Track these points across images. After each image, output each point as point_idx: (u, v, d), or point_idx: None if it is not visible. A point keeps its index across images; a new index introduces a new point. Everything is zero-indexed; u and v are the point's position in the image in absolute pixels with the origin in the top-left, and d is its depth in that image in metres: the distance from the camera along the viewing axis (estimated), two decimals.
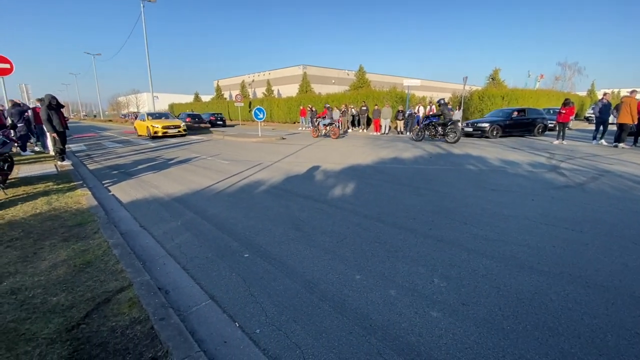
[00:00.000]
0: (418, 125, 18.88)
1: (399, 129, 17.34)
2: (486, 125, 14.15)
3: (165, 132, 16.39)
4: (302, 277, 2.80)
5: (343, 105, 20.74)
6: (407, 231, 3.74)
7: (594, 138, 11.67)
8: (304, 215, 4.33)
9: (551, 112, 18.56)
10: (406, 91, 19.56)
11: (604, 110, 11.17)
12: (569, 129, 17.84)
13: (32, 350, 1.86)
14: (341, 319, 2.24)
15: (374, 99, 20.73)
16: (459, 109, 17.52)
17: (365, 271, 2.88)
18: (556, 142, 12.09)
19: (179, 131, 16.87)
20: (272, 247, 3.39)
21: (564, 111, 12.00)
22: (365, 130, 19.33)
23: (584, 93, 40.90)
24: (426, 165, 7.86)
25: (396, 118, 17.33)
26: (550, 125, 17.29)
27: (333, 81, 40.37)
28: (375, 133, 17.70)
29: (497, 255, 3.11)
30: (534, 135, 14.76)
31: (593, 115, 12.15)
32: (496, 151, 10.12)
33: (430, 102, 19.88)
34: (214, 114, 28.27)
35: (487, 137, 14.09)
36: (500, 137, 14.21)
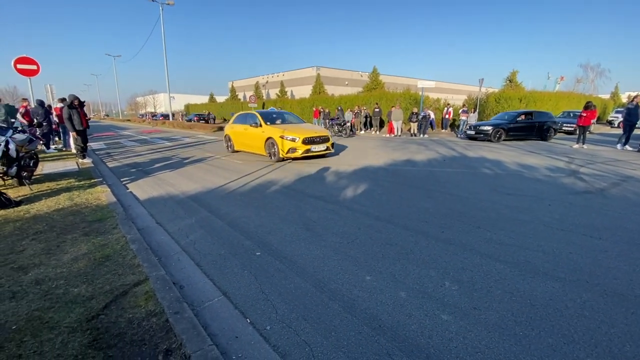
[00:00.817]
0: (432, 128, 18.76)
1: (412, 131, 17.19)
2: (489, 128, 13.85)
3: (308, 151, 8.54)
4: (312, 276, 2.83)
5: (356, 107, 20.71)
6: (419, 234, 3.72)
7: (620, 142, 11.25)
8: (315, 216, 4.36)
9: (571, 115, 18.03)
10: (420, 93, 19.37)
11: (634, 113, 10.77)
12: (590, 132, 17.25)
13: (55, 337, 1.95)
14: (350, 318, 2.26)
15: (388, 101, 20.60)
16: (474, 111, 17.21)
17: (375, 272, 2.88)
18: (576, 146, 11.73)
19: (327, 147, 9.11)
20: (283, 246, 3.43)
21: (585, 114, 11.63)
22: (378, 132, 19.24)
23: (607, 96, 39.53)
24: (440, 168, 7.77)
25: (410, 120, 17.18)
26: (568, 128, 16.79)
27: (346, 82, 40.35)
28: (388, 135, 17.59)
29: (511, 260, 3.06)
30: (542, 139, 14.27)
31: (616, 119, 11.72)
32: (513, 155, 9.90)
33: (448, 104, 19.63)
34: (199, 113, 35.65)
35: (489, 141, 13.79)
36: (505, 140, 13.95)
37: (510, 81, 25.70)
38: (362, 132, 19.89)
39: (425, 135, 16.75)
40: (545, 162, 8.55)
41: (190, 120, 33.34)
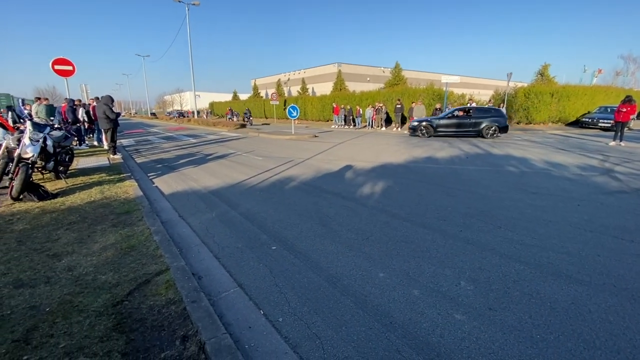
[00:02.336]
0: None
1: None
2: (416, 123, 14.37)
3: None
4: (325, 271, 2.86)
5: (377, 104, 20.46)
6: (436, 232, 3.66)
7: None
8: (332, 212, 4.38)
9: (608, 110, 16.93)
10: (444, 88, 18.84)
11: None
12: (629, 129, 16.16)
13: (84, 320, 2.10)
14: (362, 314, 2.27)
15: (410, 97, 20.19)
16: (502, 106, 16.51)
17: (389, 269, 2.87)
18: (612, 143, 11.02)
19: None
20: (299, 241, 3.49)
21: (624, 109, 10.88)
22: (399, 129, 18.93)
23: None
24: (462, 166, 7.56)
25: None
26: (605, 124, 15.93)
27: (368, 79, 39.90)
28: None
29: (532, 262, 2.95)
30: (482, 137, 13.31)
31: None
32: (541, 152, 9.46)
33: (471, 100, 19.00)
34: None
35: (417, 136, 14.17)
36: (436, 136, 13.96)
37: (541, 75, 24.44)
38: (383, 128, 19.64)
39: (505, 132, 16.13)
40: (576, 160, 8.11)
41: (231, 118, 34.07)
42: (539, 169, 7.04)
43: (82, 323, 2.06)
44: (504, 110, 16.56)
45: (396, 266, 2.93)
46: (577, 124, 18.85)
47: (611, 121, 15.17)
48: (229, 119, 34.29)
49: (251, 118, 30.03)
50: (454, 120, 13.80)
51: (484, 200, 4.82)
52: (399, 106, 18.63)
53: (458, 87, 25.68)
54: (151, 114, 63.25)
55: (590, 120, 17.48)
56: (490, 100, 18.95)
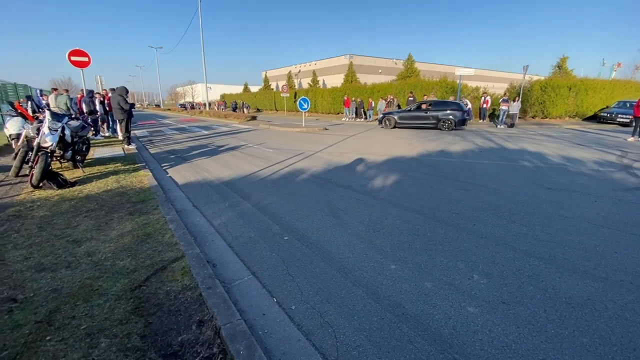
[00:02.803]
0: (469, 118, 17.82)
1: None
2: (380, 115, 15.93)
3: None
4: (337, 262, 2.88)
5: (388, 96, 20.21)
6: (449, 225, 3.63)
7: None
8: (343, 204, 4.39)
9: (627, 105, 16.36)
10: (458, 81, 18.46)
11: None
12: None
13: (104, 303, 2.17)
14: (374, 304, 2.29)
15: (422, 89, 19.88)
16: (517, 100, 16.10)
17: (401, 262, 2.87)
18: (631, 139, 10.66)
19: None
20: (310, 233, 3.51)
21: None
22: None
23: None
24: (476, 160, 7.44)
25: None
26: (624, 120, 15.53)
27: (380, 71, 39.37)
28: None
29: (547, 257, 2.91)
30: (438, 129, 13.99)
31: None
32: (557, 147, 9.23)
33: (485, 93, 18.58)
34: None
35: (382, 127, 15.49)
36: (398, 128, 14.96)
37: (559, 68, 23.72)
38: None
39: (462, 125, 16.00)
40: (594, 155, 7.89)
41: (225, 109, 34.43)
42: (555, 164, 6.88)
43: (102, 306, 2.14)
44: (519, 103, 16.13)
45: (408, 258, 2.93)
46: (595, 118, 18.29)
47: (630, 116, 14.71)
48: (223, 109, 34.88)
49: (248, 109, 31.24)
50: (413, 114, 14.71)
51: (498, 194, 4.75)
52: (411, 99, 18.35)
53: (472, 80, 25.14)
54: (155, 105, 64.07)
55: (608, 115, 16.94)
56: (505, 94, 18.47)
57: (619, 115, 16.20)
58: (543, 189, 4.97)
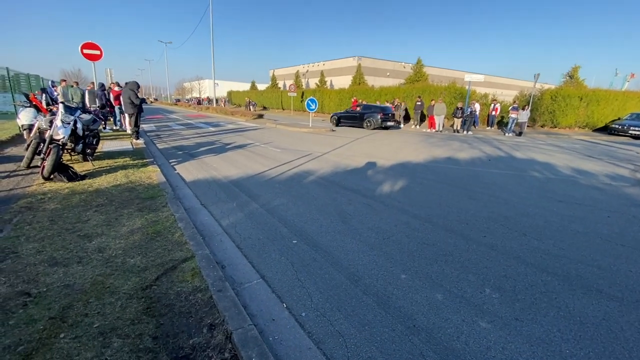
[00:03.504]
0: (475, 125, 17.73)
1: (455, 127, 16.40)
2: (331, 115, 19.42)
3: None
4: (347, 269, 2.87)
5: (396, 100, 20.13)
6: (458, 236, 3.60)
7: None
8: (351, 209, 4.37)
9: None
10: (467, 87, 18.34)
11: None
12: None
13: (115, 302, 2.18)
14: (384, 315, 2.27)
15: (430, 94, 19.75)
16: (526, 108, 15.95)
17: (411, 271, 2.85)
18: None
19: None
20: (319, 237, 3.50)
21: None
22: (418, 127, 18.61)
23: None
24: (484, 168, 7.38)
25: (454, 115, 16.38)
26: (637, 132, 15.42)
27: (388, 74, 39.22)
28: (429, 130, 16.96)
29: (560, 273, 2.87)
30: (363, 128, 16.65)
31: None
32: (567, 158, 9.13)
33: (494, 100, 18.45)
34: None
35: (332, 123, 18.71)
36: (341, 126, 17.92)
37: (570, 77, 23.47)
38: (402, 125, 19.34)
39: (469, 132, 15.92)
40: (605, 168, 7.79)
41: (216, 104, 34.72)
42: (565, 176, 6.80)
43: (114, 305, 2.14)
44: (528, 112, 15.97)
45: (418, 268, 2.90)
46: (606, 130, 18.06)
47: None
48: (210, 104, 35.33)
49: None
50: (349, 114, 18.04)
51: (508, 205, 4.70)
52: (419, 103, 18.27)
53: (481, 86, 25.01)
54: (154, 99, 64.30)
55: (620, 127, 16.72)
56: (514, 102, 18.34)
57: (632, 128, 15.98)
58: (554, 202, 4.92)
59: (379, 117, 15.98)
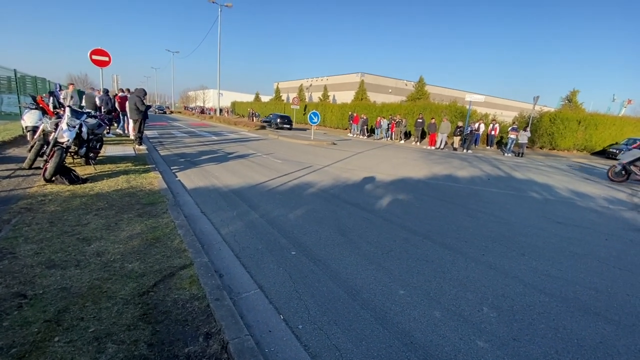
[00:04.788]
0: (475, 144, 17.93)
1: (454, 145, 16.56)
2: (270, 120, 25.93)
3: None
4: (345, 282, 2.86)
5: (397, 116, 20.40)
6: (457, 253, 3.60)
7: None
8: (350, 222, 4.38)
9: (637, 142, 16.31)
10: (467, 106, 18.62)
11: None
12: None
13: (112, 307, 2.16)
14: (382, 330, 2.25)
15: (431, 112, 20.03)
16: (527, 130, 16.11)
17: (409, 287, 2.84)
18: None
19: None
20: (318, 249, 3.49)
21: None
22: (419, 143, 18.78)
23: None
24: (483, 187, 7.43)
25: (454, 134, 16.58)
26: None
27: (390, 90, 39.83)
28: (429, 147, 17.11)
29: (558, 294, 2.86)
30: (271, 127, 23.65)
31: None
32: (565, 180, 9.20)
33: (494, 120, 18.70)
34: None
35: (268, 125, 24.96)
36: (278, 129, 23.28)
37: (569, 101, 23.90)
38: (402, 141, 19.53)
39: (469, 151, 16.07)
40: (603, 191, 7.84)
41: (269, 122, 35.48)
42: (564, 198, 6.84)
43: (111, 309, 2.12)
44: (528, 132, 16.15)
45: (416, 284, 2.89)
46: (604, 154, 18.28)
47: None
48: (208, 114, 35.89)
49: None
50: (266, 120, 25.95)
51: (507, 225, 4.72)
52: (420, 120, 18.51)
53: (481, 107, 25.34)
54: (191, 108, 63.47)
55: (617, 152, 16.89)
56: (514, 122, 18.60)
57: None
58: (553, 223, 4.94)
59: (278, 120, 23.96)
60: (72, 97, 10.64)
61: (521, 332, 2.32)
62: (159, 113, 44.80)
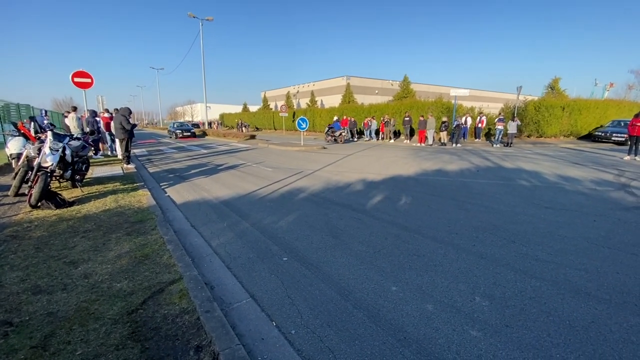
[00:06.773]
0: (464, 137, 18.13)
1: (442, 140, 16.73)
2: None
3: None
4: (337, 284, 2.85)
5: (385, 116, 20.56)
6: (449, 246, 3.62)
7: None
8: (342, 224, 4.38)
9: (622, 124, 16.68)
10: (453, 101, 18.86)
11: None
12: None
13: (100, 327, 2.13)
14: (375, 328, 2.25)
15: (419, 110, 20.23)
16: (516, 120, 16.31)
17: (401, 283, 2.84)
18: (627, 157, 10.82)
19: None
20: (310, 253, 3.48)
21: (638, 123, 10.72)
22: (409, 141, 18.93)
23: None
24: (473, 179, 7.50)
25: (440, 129, 16.75)
26: (619, 138, 15.88)
27: (376, 91, 40.20)
28: (419, 144, 17.25)
29: (549, 278, 2.89)
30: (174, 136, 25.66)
31: None
32: (554, 166, 9.33)
33: (481, 113, 18.95)
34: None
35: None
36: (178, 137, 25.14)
37: (551, 88, 24.34)
38: (392, 141, 19.66)
39: (458, 145, 16.23)
40: (590, 174, 7.97)
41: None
42: (552, 183, 6.94)
43: (99, 330, 2.09)
44: (515, 122, 16.38)
45: (409, 280, 2.90)
46: (590, 137, 18.60)
47: (625, 135, 14.96)
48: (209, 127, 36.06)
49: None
50: (178, 132, 25.79)
51: (497, 214, 4.76)
52: (407, 119, 18.67)
53: (467, 100, 25.73)
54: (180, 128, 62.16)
55: (603, 134, 17.25)
56: (500, 113, 18.85)
57: (614, 134, 16.49)
58: (541, 209, 5.00)
59: (178, 132, 25.48)
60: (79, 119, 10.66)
61: (513, 318, 2.34)
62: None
